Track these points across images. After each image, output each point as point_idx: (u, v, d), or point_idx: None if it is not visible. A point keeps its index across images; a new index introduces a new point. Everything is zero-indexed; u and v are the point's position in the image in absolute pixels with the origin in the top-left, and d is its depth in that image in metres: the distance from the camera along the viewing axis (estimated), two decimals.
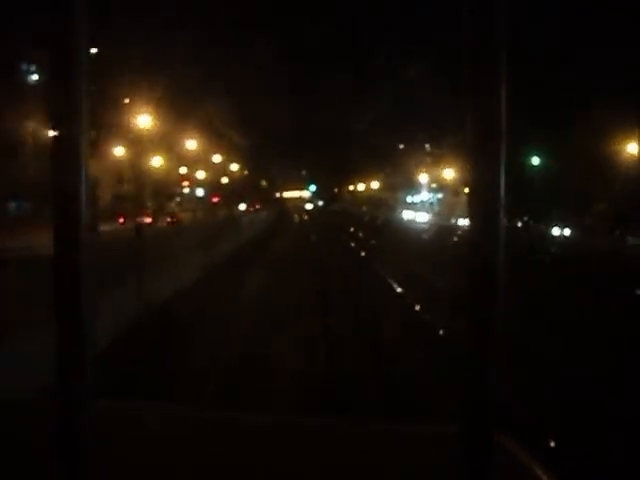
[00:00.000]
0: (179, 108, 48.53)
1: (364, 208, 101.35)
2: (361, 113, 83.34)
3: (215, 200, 63.97)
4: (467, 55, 0.98)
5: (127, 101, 42.60)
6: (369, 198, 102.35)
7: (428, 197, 74.92)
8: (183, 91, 47.56)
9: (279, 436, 1.72)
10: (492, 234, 0.99)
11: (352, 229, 59.24)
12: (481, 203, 0.99)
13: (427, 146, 71.46)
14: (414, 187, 78.34)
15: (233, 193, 67.81)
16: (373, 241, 44.07)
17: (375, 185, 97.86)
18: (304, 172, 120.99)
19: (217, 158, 60.23)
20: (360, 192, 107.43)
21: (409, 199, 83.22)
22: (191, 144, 48.66)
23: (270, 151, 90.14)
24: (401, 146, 78.91)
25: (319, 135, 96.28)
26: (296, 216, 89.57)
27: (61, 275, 1.01)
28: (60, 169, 1.02)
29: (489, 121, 0.98)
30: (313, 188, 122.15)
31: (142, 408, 1.97)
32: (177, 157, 53.32)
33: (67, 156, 1.01)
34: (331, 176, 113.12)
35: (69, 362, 1.01)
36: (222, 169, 65.72)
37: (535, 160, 40.91)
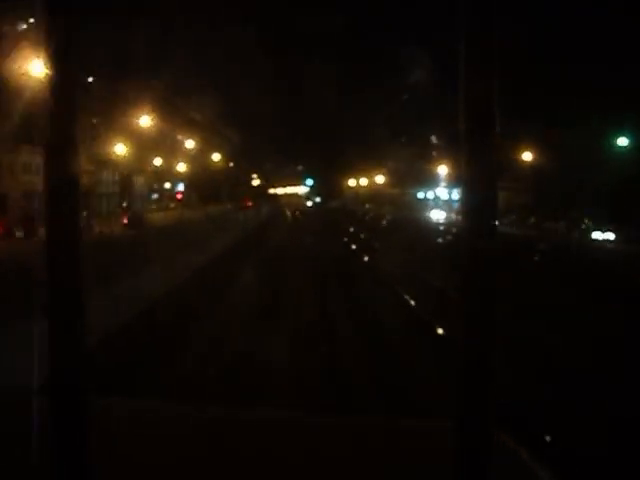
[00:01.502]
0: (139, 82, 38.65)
1: (367, 205, 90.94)
2: (362, 102, 74.90)
3: (179, 197, 53.32)
4: (461, 54, 1.00)
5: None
6: (373, 194, 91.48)
7: (446, 193, 63.87)
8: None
9: (279, 432, 1.71)
10: (487, 232, 0.99)
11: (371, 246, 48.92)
12: (476, 201, 0.99)
13: (433, 138, 62.76)
14: (427, 181, 67.53)
15: (211, 187, 56.83)
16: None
17: (380, 179, 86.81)
18: (300, 167, 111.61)
19: (190, 144, 49.06)
20: (363, 187, 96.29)
21: (420, 195, 72.79)
22: (145, 121, 37.36)
23: (263, 145, 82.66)
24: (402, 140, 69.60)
25: (316, 127, 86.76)
26: (289, 215, 78.49)
27: (55, 274, 1.00)
28: (54, 165, 1.02)
29: (482, 117, 0.99)
30: (310, 182, 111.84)
31: (143, 406, 1.99)
32: (140, 144, 42.79)
33: (61, 152, 1.01)
34: (330, 170, 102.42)
35: (63, 361, 1.02)
36: (200, 160, 55.46)
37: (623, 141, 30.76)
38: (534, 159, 40.63)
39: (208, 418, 1.84)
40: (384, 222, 62.18)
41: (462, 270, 1.01)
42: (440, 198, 64.98)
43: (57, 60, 1.02)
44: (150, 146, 43.89)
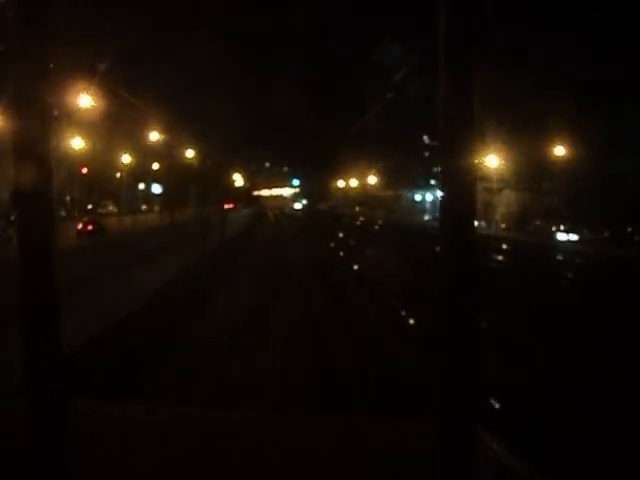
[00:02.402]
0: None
1: (357, 208, 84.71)
2: (350, 100, 69.93)
3: None
4: (440, 59, 1.02)
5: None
6: (364, 196, 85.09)
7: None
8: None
9: (268, 432, 1.69)
10: (467, 235, 1.01)
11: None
12: (455, 205, 1.02)
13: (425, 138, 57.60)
14: (425, 183, 61.20)
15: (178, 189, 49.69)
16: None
17: (372, 180, 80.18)
18: (286, 168, 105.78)
19: (155, 136, 42.22)
20: (353, 189, 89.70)
21: (418, 197, 66.54)
22: (84, 101, 30.42)
23: (247, 145, 77.77)
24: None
25: (302, 125, 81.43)
26: (272, 219, 71.65)
27: (29, 277, 0.99)
28: (25, 168, 0.98)
29: (462, 122, 1.01)
30: (297, 182, 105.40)
31: (127, 409, 1.88)
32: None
33: (32, 156, 0.97)
34: (317, 170, 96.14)
35: (39, 363, 1.00)
36: (168, 157, 48.99)
37: None
38: (569, 154, 34.30)
39: (195, 420, 1.77)
40: (376, 227, 55.96)
41: (442, 271, 1.00)
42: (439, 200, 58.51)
43: (25, 55, 0.97)
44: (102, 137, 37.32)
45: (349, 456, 1.55)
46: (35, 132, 0.97)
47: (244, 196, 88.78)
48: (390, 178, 72.99)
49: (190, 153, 49.26)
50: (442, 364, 1.03)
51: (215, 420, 1.78)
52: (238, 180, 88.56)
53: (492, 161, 38.41)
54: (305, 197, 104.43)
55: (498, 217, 43.07)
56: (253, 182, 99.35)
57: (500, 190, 41.38)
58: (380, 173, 76.44)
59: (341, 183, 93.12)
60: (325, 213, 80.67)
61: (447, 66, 1.00)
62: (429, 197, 62.54)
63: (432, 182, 58.93)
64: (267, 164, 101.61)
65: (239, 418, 1.82)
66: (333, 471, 1.50)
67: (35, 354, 0.99)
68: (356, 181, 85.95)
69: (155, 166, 52.99)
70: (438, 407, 1.03)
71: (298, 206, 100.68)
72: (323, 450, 1.59)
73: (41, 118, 0.98)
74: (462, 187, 1.00)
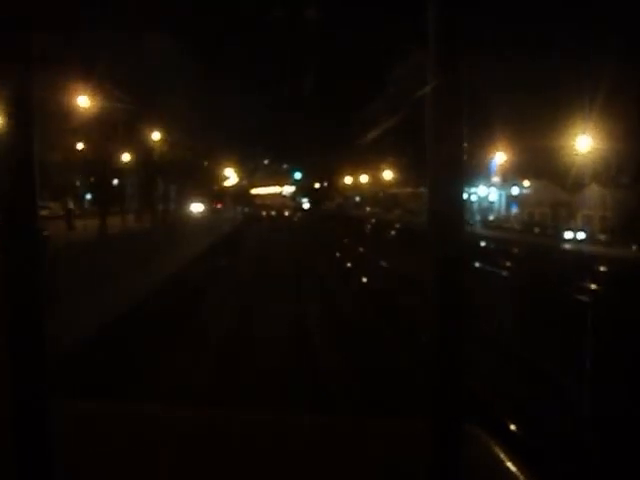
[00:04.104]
0: None
1: (368, 209, 73.45)
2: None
3: None
4: (430, 56, 1.01)
5: None
6: (377, 195, 73.67)
7: (495, 192, 45.29)
8: None
9: (259, 434, 1.70)
10: (455, 234, 1.00)
11: None
12: (443, 203, 1.00)
13: None
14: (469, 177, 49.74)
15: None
16: None
17: (388, 176, 68.42)
18: (286, 165, 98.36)
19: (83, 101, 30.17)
20: (364, 185, 77.97)
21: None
22: None
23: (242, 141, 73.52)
24: None
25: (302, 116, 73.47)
26: (266, 229, 59.40)
27: (16, 274, 0.99)
28: (12, 170, 0.98)
29: (450, 119, 0.99)
30: (298, 176, 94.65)
31: (124, 407, 1.90)
32: None
33: (19, 158, 0.97)
34: (320, 165, 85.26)
35: (25, 363, 1.00)
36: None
37: None
38: None
39: (194, 420, 1.75)
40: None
41: (432, 272, 1.02)
42: (486, 199, 46.82)
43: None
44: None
45: (347, 457, 1.54)
46: (24, 133, 0.93)
47: (235, 194, 79.52)
48: (409, 172, 61.26)
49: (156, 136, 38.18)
50: (432, 363, 1.05)
51: (213, 421, 1.76)
52: (232, 176, 79.15)
53: (583, 145, 26.87)
54: (307, 195, 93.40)
55: (578, 222, 31.53)
56: (250, 179, 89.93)
57: (584, 186, 29.85)
58: (396, 167, 64.88)
59: (348, 179, 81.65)
60: (332, 217, 68.96)
61: (435, 60, 0.99)
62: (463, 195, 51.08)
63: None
64: (266, 161, 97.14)
65: (237, 419, 1.81)
66: (332, 472, 1.49)
67: (20, 352, 0.98)
68: (367, 177, 74.38)
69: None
70: (429, 406, 1.05)
71: (306, 206, 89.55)
72: (322, 451, 1.57)
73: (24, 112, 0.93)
74: (450, 186, 0.98)
